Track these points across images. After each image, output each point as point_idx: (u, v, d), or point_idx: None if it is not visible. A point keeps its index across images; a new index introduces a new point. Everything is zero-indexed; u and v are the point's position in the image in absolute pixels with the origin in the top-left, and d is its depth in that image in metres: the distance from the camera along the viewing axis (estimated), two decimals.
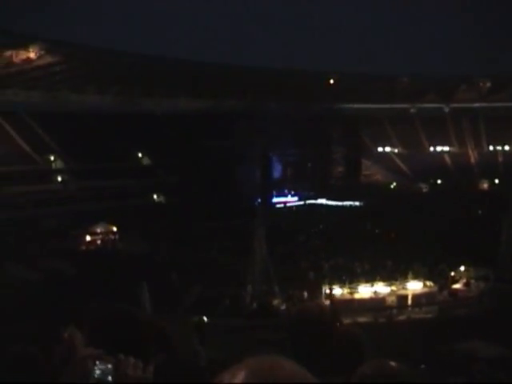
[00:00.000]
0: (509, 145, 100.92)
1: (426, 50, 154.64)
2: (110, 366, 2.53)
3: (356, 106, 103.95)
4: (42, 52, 71.55)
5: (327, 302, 38.79)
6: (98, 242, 58.29)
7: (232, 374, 1.43)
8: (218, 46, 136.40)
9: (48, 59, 73.51)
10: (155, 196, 76.02)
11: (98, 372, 2.55)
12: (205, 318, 33.91)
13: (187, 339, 3.71)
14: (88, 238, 58.02)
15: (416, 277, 42.63)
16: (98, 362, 2.56)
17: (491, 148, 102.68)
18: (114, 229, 59.34)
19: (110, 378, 2.52)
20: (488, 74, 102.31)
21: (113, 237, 59.18)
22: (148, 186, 74.79)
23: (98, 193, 68.12)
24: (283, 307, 38.20)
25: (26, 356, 3.05)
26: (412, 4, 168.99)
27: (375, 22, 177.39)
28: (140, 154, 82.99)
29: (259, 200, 54.26)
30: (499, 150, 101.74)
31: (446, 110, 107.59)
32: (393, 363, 2.84)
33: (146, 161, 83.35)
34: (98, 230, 58.95)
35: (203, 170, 74.25)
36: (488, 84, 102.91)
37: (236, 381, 1.40)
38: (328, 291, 40.37)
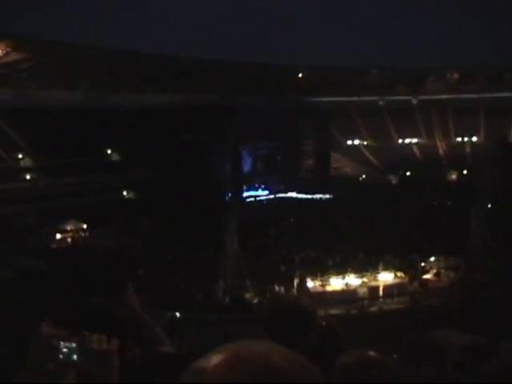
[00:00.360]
0: (476, 136, 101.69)
1: (394, 41, 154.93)
2: (74, 345, 2.53)
3: (325, 98, 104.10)
4: (9, 49, 70.94)
5: (299, 295, 38.96)
6: (69, 239, 57.96)
7: (212, 357, 1.37)
8: (188, 39, 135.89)
9: (15, 56, 72.89)
10: (125, 192, 75.67)
11: (64, 351, 2.54)
12: (177, 314, 33.84)
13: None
14: (58, 235, 57.67)
15: (387, 268, 42.92)
16: (62, 343, 2.55)
17: (459, 139, 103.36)
18: (85, 226, 59.03)
19: (75, 356, 2.52)
20: (456, 65, 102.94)
21: (83, 234, 58.88)
22: (118, 182, 74.41)
23: (68, 190, 67.65)
24: (255, 301, 38.27)
25: None
26: None
27: (343, 14, 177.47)
28: (110, 150, 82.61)
29: (230, 194, 54.22)
30: (467, 141, 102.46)
31: (415, 101, 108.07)
32: (373, 353, 2.86)
33: (116, 156, 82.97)
34: (69, 228, 58.61)
35: (174, 164, 74.04)
36: (456, 75, 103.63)
37: (216, 364, 1.34)
38: (299, 283, 40.46)
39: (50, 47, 74.06)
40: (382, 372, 2.72)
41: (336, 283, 41.35)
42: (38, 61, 75.94)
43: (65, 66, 78.96)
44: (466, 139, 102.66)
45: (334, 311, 36.29)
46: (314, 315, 3.61)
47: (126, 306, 3.67)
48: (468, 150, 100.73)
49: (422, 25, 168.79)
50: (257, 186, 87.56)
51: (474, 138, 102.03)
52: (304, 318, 3.49)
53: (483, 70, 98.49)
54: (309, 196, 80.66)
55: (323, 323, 3.86)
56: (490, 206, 47.83)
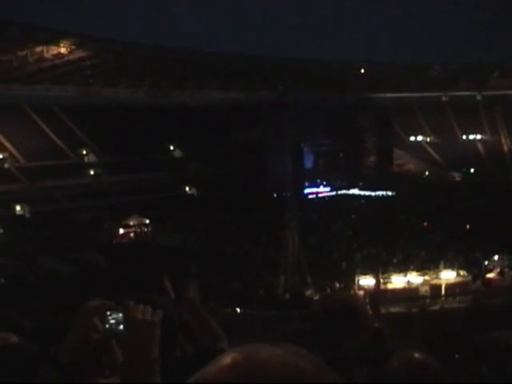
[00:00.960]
0: None
1: (457, 37, 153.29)
2: (121, 315, 2.63)
3: (387, 95, 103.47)
4: (73, 47, 72.09)
5: (361, 293, 38.83)
6: (131, 234, 58.58)
7: (218, 361, 1.35)
8: (249, 37, 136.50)
9: (79, 54, 74.05)
10: (187, 188, 76.19)
11: (111, 322, 2.62)
12: (237, 309, 34.01)
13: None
14: (121, 230, 58.35)
15: (449, 266, 42.38)
16: (109, 313, 2.63)
17: None
18: (147, 221, 59.62)
19: (121, 327, 2.62)
20: None
21: (146, 229, 59.45)
22: (180, 179, 74.99)
23: (130, 186, 68.48)
24: (316, 298, 38.20)
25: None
26: None
27: (406, 10, 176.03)
28: (172, 147, 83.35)
29: (291, 191, 54.19)
30: None
31: (479, 97, 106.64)
32: (420, 355, 2.87)
33: (178, 153, 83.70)
34: (131, 223, 59.26)
35: (235, 161, 74.40)
36: None
37: (220, 370, 1.32)
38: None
39: (113, 45, 75.04)
40: (427, 373, 2.73)
41: (397, 281, 41.01)
42: (101, 59, 77.02)
43: (128, 64, 79.98)
44: None
45: (395, 309, 36.11)
46: (365, 315, 3.60)
47: (185, 303, 3.73)
48: None
49: (485, 20, 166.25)
50: (318, 182, 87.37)
51: None
52: (353, 318, 3.49)
53: None
54: (371, 193, 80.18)
55: (374, 324, 3.85)
56: None
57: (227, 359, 1.33)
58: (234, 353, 1.35)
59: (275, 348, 1.36)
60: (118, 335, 2.65)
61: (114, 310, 2.64)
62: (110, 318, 2.63)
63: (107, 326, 2.63)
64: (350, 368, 3.23)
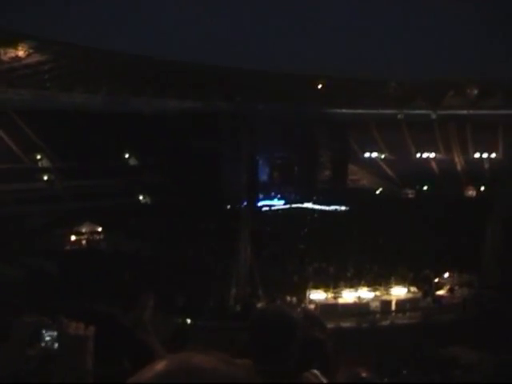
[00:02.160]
0: (495, 152, 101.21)
1: (414, 55, 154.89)
2: (55, 333, 2.58)
3: (344, 110, 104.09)
4: (31, 50, 71.28)
5: (311, 306, 38.93)
6: (83, 241, 58.05)
7: (146, 371, 1.39)
8: (207, 46, 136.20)
9: (37, 57, 73.26)
10: (141, 196, 75.79)
11: (46, 339, 2.56)
12: (188, 320, 33.80)
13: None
14: (73, 237, 57.80)
15: (400, 282, 42.70)
16: (44, 331, 2.57)
17: (477, 155, 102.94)
18: (99, 229, 59.13)
19: (56, 345, 2.57)
20: (476, 81, 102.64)
21: (98, 236, 58.97)
22: (134, 186, 74.56)
23: (83, 192, 67.85)
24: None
25: None
26: (400, 9, 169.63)
27: (364, 26, 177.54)
28: (127, 154, 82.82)
29: (245, 202, 54.20)
30: (485, 158, 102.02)
31: (434, 116, 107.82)
32: (364, 373, 2.82)
33: (133, 161, 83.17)
34: (84, 230, 58.73)
35: (189, 170, 74.14)
36: (475, 91, 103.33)
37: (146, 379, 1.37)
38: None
39: (72, 50, 74.38)
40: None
41: (348, 296, 41.19)
42: (59, 63, 76.31)
43: (86, 70, 79.36)
44: (484, 155, 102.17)
45: (345, 324, 36.21)
46: (298, 327, 3.55)
47: (136, 321, 3.63)
48: (486, 166, 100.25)
49: (442, 39, 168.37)
50: (272, 195, 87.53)
51: (493, 155, 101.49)
52: (289, 329, 3.45)
53: (502, 85, 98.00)
54: (324, 207, 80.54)
55: (317, 336, 3.80)
56: (505, 222, 47.52)
57: (162, 365, 1.38)
58: (168, 359, 1.39)
59: (207, 355, 1.40)
60: (52, 352, 2.58)
61: (49, 327, 2.59)
62: (45, 335, 2.58)
63: (43, 344, 2.57)
64: (286, 379, 3.21)
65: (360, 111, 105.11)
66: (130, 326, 3.27)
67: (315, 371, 3.07)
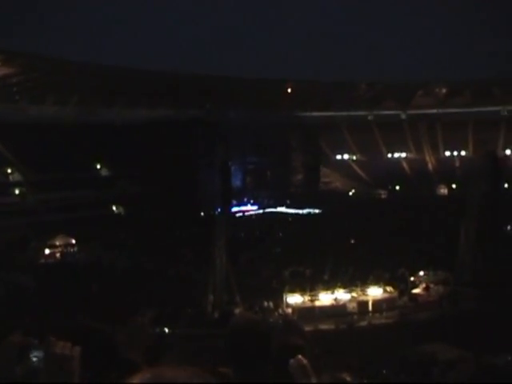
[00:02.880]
0: (465, 150, 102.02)
1: (382, 56, 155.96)
2: (41, 353, 2.59)
3: (314, 113, 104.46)
4: None
5: (289, 310, 39.02)
6: (58, 254, 57.69)
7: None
8: (177, 54, 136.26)
9: (5, 70, 72.84)
10: (114, 207, 75.52)
11: (34, 360, 2.58)
12: (166, 329, 33.69)
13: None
14: (47, 250, 57.44)
15: (376, 283, 42.88)
16: (32, 350, 2.59)
17: (448, 153, 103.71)
18: (73, 241, 58.83)
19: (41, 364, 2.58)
20: (444, 80, 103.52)
21: (72, 249, 58.65)
22: (107, 197, 74.26)
23: (56, 204, 67.51)
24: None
25: None
26: (368, 11, 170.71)
27: (332, 29, 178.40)
28: (99, 165, 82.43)
29: (219, 209, 54.16)
30: (456, 156, 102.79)
31: (404, 116, 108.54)
32: (347, 376, 2.87)
33: (105, 171, 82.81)
34: (58, 243, 58.38)
35: (163, 179, 73.97)
36: (444, 90, 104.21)
37: None
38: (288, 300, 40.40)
39: (40, 62, 74.05)
40: None
41: (325, 298, 41.29)
42: (28, 75, 75.94)
43: (55, 81, 78.98)
44: (455, 153, 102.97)
45: (323, 326, 36.29)
46: (274, 333, 3.59)
47: (123, 338, 3.65)
48: (457, 164, 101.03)
49: (410, 39, 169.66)
50: (246, 200, 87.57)
51: (463, 152, 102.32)
52: (262, 336, 3.47)
53: (470, 84, 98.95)
54: (298, 211, 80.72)
55: (294, 342, 3.83)
56: (478, 219, 47.91)
57: (137, 378, 1.47)
58: (143, 372, 1.48)
59: (181, 369, 1.48)
60: (39, 372, 2.61)
61: (36, 346, 2.60)
62: (32, 354, 2.59)
63: (31, 364, 2.59)
64: None
65: (331, 114, 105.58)
66: (117, 341, 3.29)
67: (300, 357, 3.09)
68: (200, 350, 23.53)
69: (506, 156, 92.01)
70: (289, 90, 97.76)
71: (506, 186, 69.07)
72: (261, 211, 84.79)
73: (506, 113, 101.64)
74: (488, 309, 34.42)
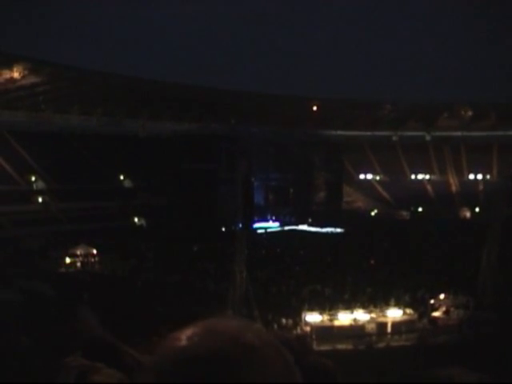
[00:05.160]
0: (489, 174, 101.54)
1: (408, 77, 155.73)
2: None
3: (338, 132, 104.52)
4: (26, 72, 71.50)
5: (307, 329, 38.84)
6: (78, 263, 57.86)
7: (185, 331, 1.45)
8: (203, 69, 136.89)
9: (32, 79, 73.49)
10: (136, 219, 75.74)
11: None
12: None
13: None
14: (68, 259, 57.62)
15: (396, 304, 42.61)
16: (92, 375, 2.55)
17: (472, 177, 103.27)
18: (94, 251, 58.99)
19: None
20: (470, 103, 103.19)
21: (92, 259, 58.80)
22: (129, 209, 74.55)
23: (78, 214, 67.86)
24: None
25: None
26: (395, 30, 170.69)
27: (358, 49, 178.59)
28: (122, 176, 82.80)
29: (240, 224, 54.13)
30: (480, 179, 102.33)
31: (428, 138, 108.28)
32: None
33: (128, 183, 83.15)
34: (78, 252, 58.56)
35: (185, 192, 74.17)
36: (469, 112, 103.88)
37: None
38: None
39: (67, 72, 74.65)
40: None
41: (344, 318, 41.06)
42: (54, 85, 76.56)
43: (81, 91, 79.59)
44: (478, 177, 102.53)
45: (341, 346, 36.10)
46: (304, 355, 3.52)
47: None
48: (481, 187, 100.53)
49: (437, 61, 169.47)
50: (268, 217, 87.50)
51: (488, 176, 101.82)
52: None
53: (496, 107, 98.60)
54: (320, 229, 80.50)
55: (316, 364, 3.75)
56: (500, 244, 47.55)
57: (189, 330, 1.44)
58: (196, 325, 1.45)
59: (232, 321, 1.47)
60: None
61: (97, 371, 2.56)
62: (91, 380, 2.55)
63: None
64: None
65: (355, 133, 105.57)
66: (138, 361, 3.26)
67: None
68: None
69: None
70: (314, 108, 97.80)
71: None
72: (282, 228, 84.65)
73: None
74: (508, 333, 34.09)
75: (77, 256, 58.46)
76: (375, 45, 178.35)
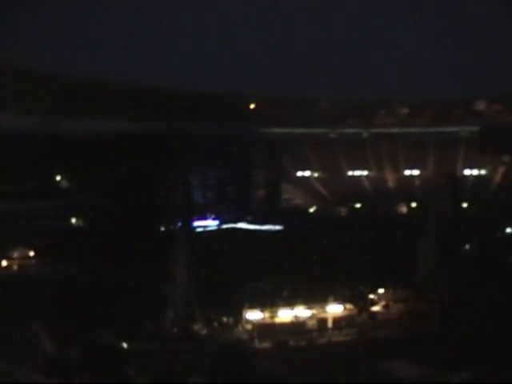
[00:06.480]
0: (425, 169, 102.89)
1: (346, 74, 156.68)
2: None
3: (277, 130, 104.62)
4: None
5: (247, 327, 38.89)
6: (15, 266, 56.89)
7: None
8: (140, 67, 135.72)
9: None
10: (73, 219, 74.74)
11: None
12: (124, 344, 33.44)
13: None
14: (4, 262, 56.64)
15: (336, 300, 42.94)
16: None
17: (408, 173, 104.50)
18: (31, 253, 58.06)
19: None
20: (406, 100, 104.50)
21: (29, 261, 57.86)
22: (67, 209, 73.49)
23: (14, 216, 66.64)
24: (204, 332, 37.94)
25: None
26: (333, 27, 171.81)
27: (296, 45, 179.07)
28: (59, 177, 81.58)
29: (179, 223, 53.79)
30: (416, 175, 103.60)
31: (365, 134, 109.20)
32: None
33: (65, 183, 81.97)
34: (15, 255, 57.58)
35: (122, 192, 73.50)
36: (405, 109, 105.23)
37: None
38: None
39: (2, 70, 73.32)
40: None
41: (285, 315, 41.21)
42: None
43: (17, 91, 78.23)
44: (415, 172, 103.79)
45: (282, 343, 36.17)
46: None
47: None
48: (417, 183, 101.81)
49: (375, 59, 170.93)
50: (207, 215, 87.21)
51: (423, 172, 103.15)
52: (245, 367, 3.40)
53: (431, 105, 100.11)
54: (259, 227, 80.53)
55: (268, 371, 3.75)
56: (437, 238, 48.25)
57: None
58: None
59: None
60: None
61: None
62: None
63: None
64: None
65: (293, 130, 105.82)
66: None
67: None
68: (159, 365, 23.33)
69: (464, 176, 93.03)
70: (252, 106, 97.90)
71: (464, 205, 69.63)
72: (222, 226, 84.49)
73: (465, 133, 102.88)
74: (448, 325, 34.62)
75: (13, 259, 57.46)
76: (315, 41, 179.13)
